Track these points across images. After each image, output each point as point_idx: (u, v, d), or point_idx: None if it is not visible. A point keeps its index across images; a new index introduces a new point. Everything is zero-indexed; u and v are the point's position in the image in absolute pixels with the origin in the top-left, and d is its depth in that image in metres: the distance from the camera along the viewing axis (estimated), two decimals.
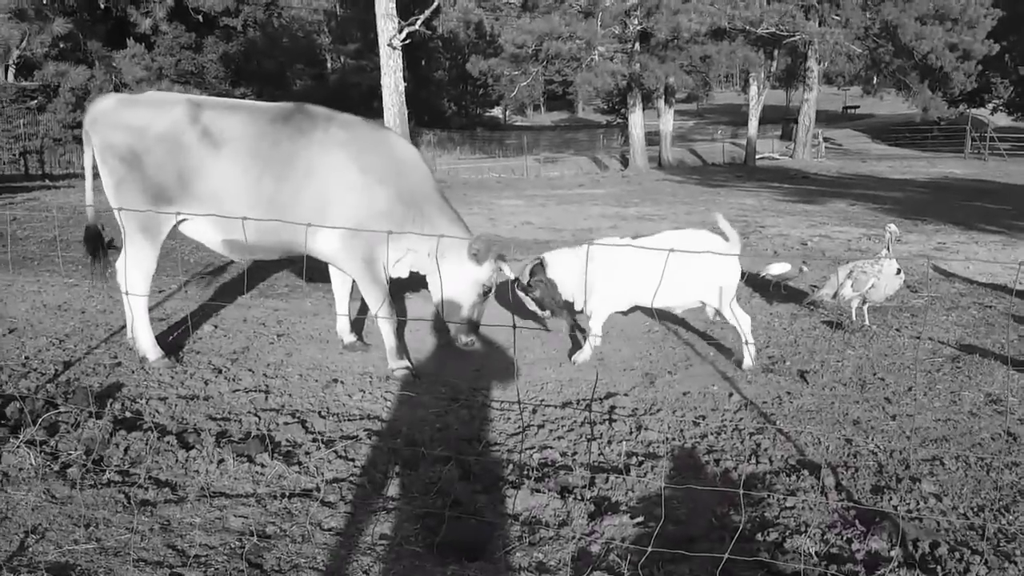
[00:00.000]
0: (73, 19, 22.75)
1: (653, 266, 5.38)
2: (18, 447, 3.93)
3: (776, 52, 32.86)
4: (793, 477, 3.99)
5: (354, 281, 5.97)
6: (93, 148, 5.29)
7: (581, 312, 6.14)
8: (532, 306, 6.05)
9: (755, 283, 8.41)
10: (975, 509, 3.67)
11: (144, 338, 5.56)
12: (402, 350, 5.84)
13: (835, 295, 6.78)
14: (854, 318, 6.82)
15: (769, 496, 3.75)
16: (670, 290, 5.52)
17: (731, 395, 5.20)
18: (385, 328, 5.68)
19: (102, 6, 22.94)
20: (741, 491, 3.33)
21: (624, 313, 6.29)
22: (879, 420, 4.78)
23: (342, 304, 6.25)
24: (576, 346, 6.26)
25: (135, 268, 5.39)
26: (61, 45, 24.07)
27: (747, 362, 5.75)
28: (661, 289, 5.28)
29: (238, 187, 5.22)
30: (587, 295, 5.90)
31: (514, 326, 2.82)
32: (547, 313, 6.09)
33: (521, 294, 6.05)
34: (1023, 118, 41.70)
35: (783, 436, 4.55)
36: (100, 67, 24.56)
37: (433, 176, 5.95)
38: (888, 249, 6.64)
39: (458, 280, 5.64)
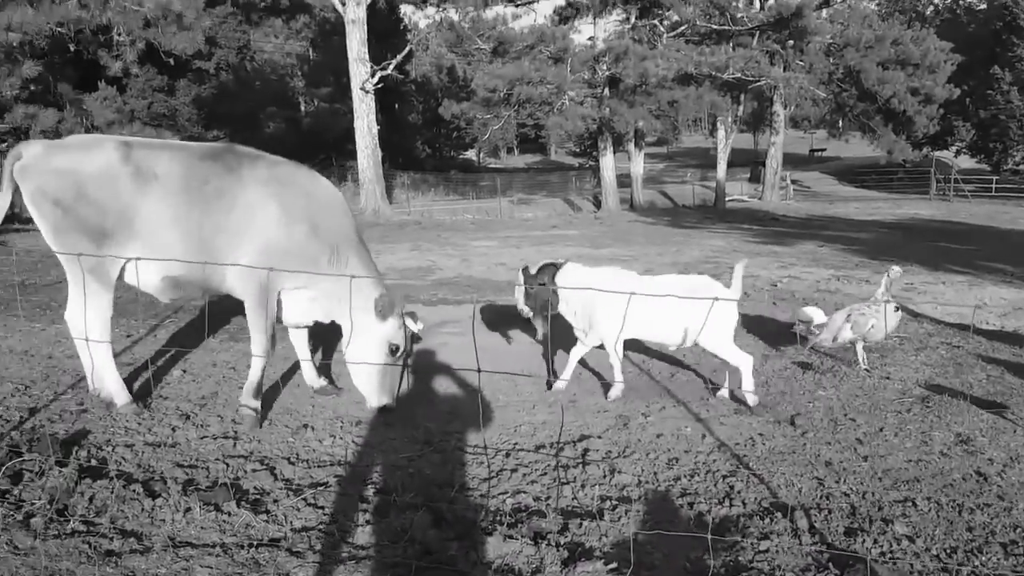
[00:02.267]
0: (43, 61, 22.59)
1: (654, 305, 5.72)
2: None
3: (743, 96, 33.51)
4: (766, 520, 3.98)
5: (309, 328, 6.00)
6: (24, 195, 5.16)
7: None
8: (520, 298, 6.11)
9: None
10: (948, 551, 3.68)
11: (111, 382, 5.46)
12: (260, 391, 5.56)
13: (834, 339, 6.84)
14: (860, 361, 6.85)
15: (743, 539, 3.74)
16: (668, 329, 5.97)
17: (704, 437, 5.21)
18: (256, 363, 5.50)
19: (72, 49, 22.83)
20: (710, 536, 3.31)
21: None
22: (851, 461, 4.80)
23: (302, 350, 6.13)
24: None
25: (92, 313, 5.26)
26: (31, 88, 23.88)
27: (752, 399, 5.98)
28: (660, 327, 5.97)
29: (169, 224, 5.20)
30: (590, 324, 6.12)
31: (479, 370, 2.80)
32: (527, 311, 6.14)
33: (521, 280, 6.11)
34: (985, 160, 42.72)
35: (756, 478, 4.55)
36: (71, 110, 24.38)
37: (354, 220, 5.91)
38: (887, 290, 6.75)
39: (364, 333, 5.56)
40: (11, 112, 20.32)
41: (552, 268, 6.06)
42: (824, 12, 32.28)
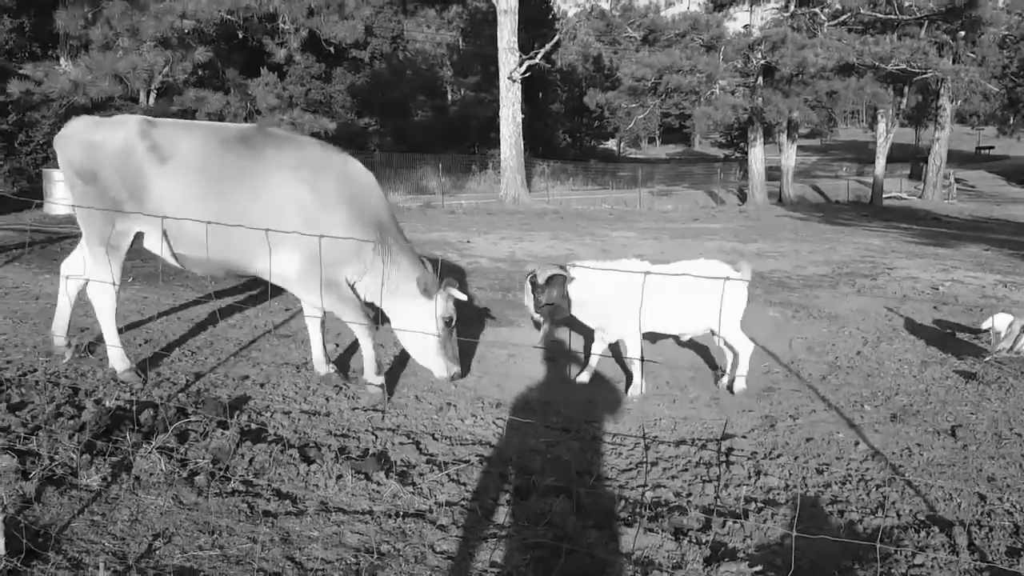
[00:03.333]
0: (212, 47, 23.96)
1: (664, 293, 5.71)
2: (150, 452, 4.13)
3: (906, 89, 31.66)
4: (922, 533, 3.77)
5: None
6: (59, 163, 5.48)
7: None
8: (530, 306, 5.92)
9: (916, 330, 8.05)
10: None
11: (111, 348, 5.61)
12: (380, 367, 5.65)
13: (1012, 348, 6.42)
14: None
15: (896, 552, 3.56)
16: (681, 316, 5.97)
17: (857, 444, 4.97)
18: (366, 343, 5.57)
19: (240, 36, 24.13)
20: (878, 545, 3.16)
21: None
22: (1016, 478, 4.48)
23: (316, 335, 6.01)
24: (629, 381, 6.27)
25: (99, 283, 5.49)
26: (200, 72, 25.33)
27: (739, 385, 6.08)
28: (672, 315, 5.91)
29: (183, 202, 5.23)
30: (608, 320, 6.00)
31: (642, 359, 2.77)
32: (539, 318, 6.01)
33: (529, 291, 5.91)
34: None
35: (912, 489, 4.31)
36: (236, 94, 25.82)
37: (389, 205, 5.80)
38: None
39: (415, 315, 5.53)
40: (182, 95, 21.67)
41: (562, 278, 5.79)
42: (1000, 1, 29.99)
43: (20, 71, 19.34)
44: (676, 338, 6.78)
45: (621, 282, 5.76)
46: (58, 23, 18.54)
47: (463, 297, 5.63)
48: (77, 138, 5.39)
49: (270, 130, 5.70)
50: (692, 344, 7.44)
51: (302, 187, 5.30)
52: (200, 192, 5.26)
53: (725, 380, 6.30)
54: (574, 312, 5.95)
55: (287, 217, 5.22)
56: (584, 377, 6.27)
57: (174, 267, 5.68)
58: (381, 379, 5.57)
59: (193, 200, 5.24)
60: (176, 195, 5.26)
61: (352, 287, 5.58)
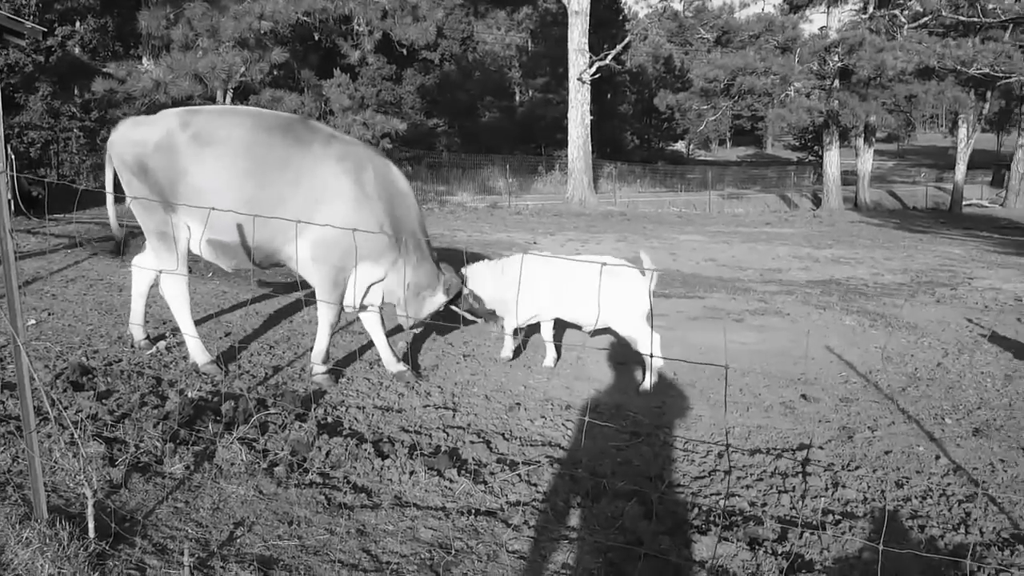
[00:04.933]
0: (288, 48, 24.42)
1: (565, 282, 6.13)
2: (232, 443, 4.25)
3: (989, 93, 30.58)
4: (1006, 551, 3.65)
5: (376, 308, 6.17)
6: (113, 167, 5.71)
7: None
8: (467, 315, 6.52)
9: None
10: None
11: (190, 342, 5.81)
12: (328, 357, 5.87)
13: None
14: None
15: (980, 570, 3.45)
16: (578, 306, 6.18)
17: (938, 458, 4.83)
18: (324, 333, 5.73)
19: (315, 37, 24.59)
20: (968, 562, 3.06)
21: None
22: None
23: (377, 333, 6.21)
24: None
25: (168, 280, 5.76)
26: (276, 73, 25.83)
27: (644, 385, 6.07)
28: (570, 304, 6.20)
29: (220, 186, 5.34)
30: (501, 306, 6.47)
31: (726, 367, 2.73)
32: (481, 319, 6.67)
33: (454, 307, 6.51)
34: None
35: (996, 506, 4.17)
36: (310, 94, 26.28)
37: (421, 210, 6.08)
38: None
39: (429, 306, 6.04)
40: (259, 95, 22.16)
41: (459, 288, 6.35)
42: None
43: (104, 69, 20.05)
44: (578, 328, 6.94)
45: (498, 272, 6.38)
46: (141, 23, 19.17)
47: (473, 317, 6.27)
48: (126, 138, 5.61)
49: (313, 122, 5.91)
50: (768, 352, 7.33)
51: (346, 179, 5.49)
52: (238, 177, 5.41)
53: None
54: (489, 306, 6.53)
55: (327, 204, 5.43)
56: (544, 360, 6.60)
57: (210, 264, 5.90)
58: (327, 367, 5.80)
59: (229, 187, 5.38)
60: (214, 182, 5.40)
61: (370, 288, 5.88)
